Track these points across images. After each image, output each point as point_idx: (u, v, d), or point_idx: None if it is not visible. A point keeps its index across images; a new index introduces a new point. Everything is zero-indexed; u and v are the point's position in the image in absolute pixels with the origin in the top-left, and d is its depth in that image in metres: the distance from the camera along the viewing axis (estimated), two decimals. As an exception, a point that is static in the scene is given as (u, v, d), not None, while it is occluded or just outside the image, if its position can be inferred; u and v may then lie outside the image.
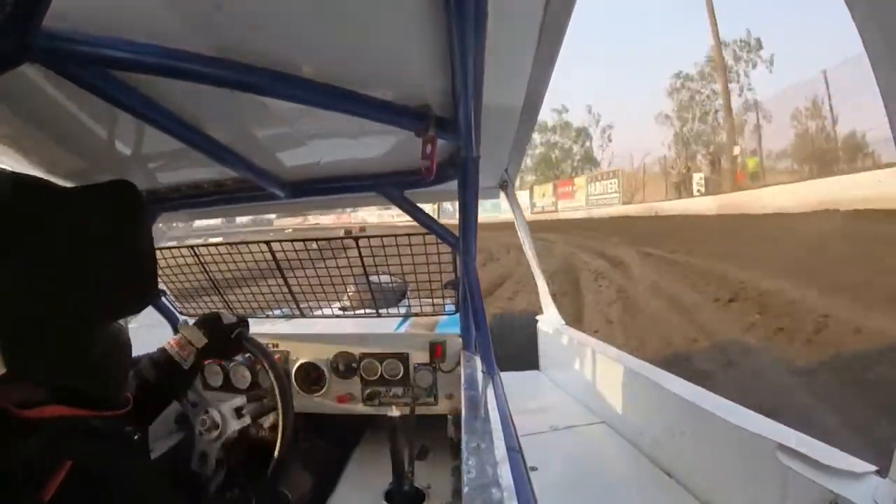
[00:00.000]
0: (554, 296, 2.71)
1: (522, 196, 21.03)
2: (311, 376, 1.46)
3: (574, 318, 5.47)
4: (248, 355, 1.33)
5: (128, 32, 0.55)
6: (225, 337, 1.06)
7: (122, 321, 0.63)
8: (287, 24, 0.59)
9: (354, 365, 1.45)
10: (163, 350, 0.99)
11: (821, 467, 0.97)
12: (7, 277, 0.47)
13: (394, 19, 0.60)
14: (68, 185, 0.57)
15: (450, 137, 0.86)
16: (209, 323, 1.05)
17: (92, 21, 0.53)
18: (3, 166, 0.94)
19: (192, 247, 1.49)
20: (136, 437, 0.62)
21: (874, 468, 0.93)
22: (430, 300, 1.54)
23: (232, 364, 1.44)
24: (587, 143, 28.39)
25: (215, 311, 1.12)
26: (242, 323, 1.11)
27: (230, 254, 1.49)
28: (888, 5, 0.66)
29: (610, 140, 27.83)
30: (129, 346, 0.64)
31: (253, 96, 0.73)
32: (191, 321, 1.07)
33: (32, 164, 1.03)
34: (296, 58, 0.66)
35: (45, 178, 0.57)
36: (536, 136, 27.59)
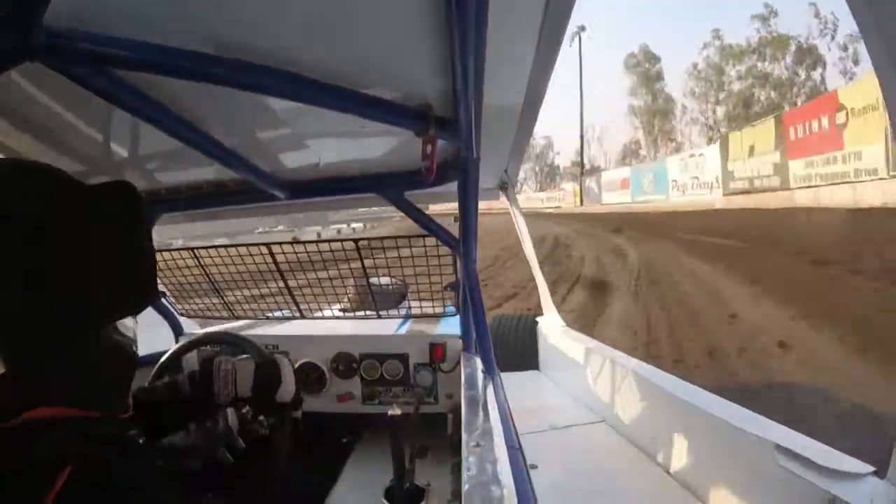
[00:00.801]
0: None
1: (711, 155, 11.09)
2: (312, 376, 1.46)
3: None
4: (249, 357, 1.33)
5: (129, 31, 0.55)
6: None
7: (131, 326, 0.63)
8: (287, 23, 0.59)
9: (355, 365, 1.45)
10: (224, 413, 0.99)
11: (818, 468, 0.98)
12: (6, 276, 0.47)
13: (394, 19, 0.60)
14: None
15: (450, 138, 0.86)
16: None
17: (93, 19, 0.53)
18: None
19: (191, 248, 1.49)
20: (139, 441, 0.62)
21: (872, 469, 0.93)
22: (431, 302, 1.54)
23: (235, 368, 1.44)
24: (818, 70, 16.16)
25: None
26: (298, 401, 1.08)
27: (230, 256, 1.49)
28: (890, 7, 0.67)
29: (856, 63, 15.64)
30: (132, 351, 0.63)
31: (253, 96, 0.73)
32: (189, 323, 1.06)
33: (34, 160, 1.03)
34: (296, 57, 0.66)
35: (52, 166, 0.57)
36: (731, 72, 18.15)
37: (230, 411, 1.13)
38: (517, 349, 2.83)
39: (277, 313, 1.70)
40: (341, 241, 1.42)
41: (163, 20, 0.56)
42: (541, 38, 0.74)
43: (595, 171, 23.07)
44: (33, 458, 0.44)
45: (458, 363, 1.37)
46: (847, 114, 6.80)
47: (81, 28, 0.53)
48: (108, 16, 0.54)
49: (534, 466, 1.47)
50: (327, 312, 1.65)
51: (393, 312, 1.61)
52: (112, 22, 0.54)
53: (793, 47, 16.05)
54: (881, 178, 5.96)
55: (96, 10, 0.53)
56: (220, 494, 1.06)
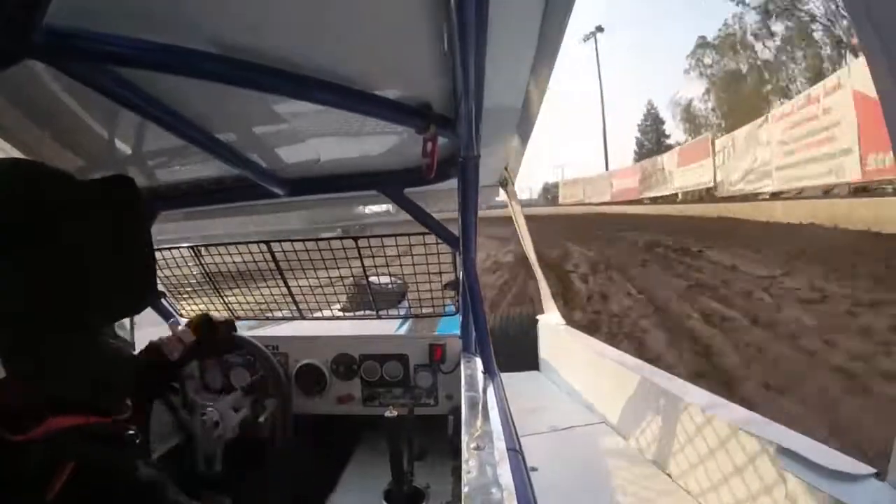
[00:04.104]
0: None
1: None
2: (312, 378, 1.46)
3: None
4: (247, 356, 1.33)
5: (129, 29, 0.55)
6: (214, 333, 1.16)
7: (126, 325, 0.63)
8: (288, 21, 0.59)
9: (355, 366, 1.45)
10: (153, 343, 1.04)
11: (820, 470, 0.97)
12: (5, 277, 0.46)
13: (395, 18, 0.60)
14: None
15: (450, 136, 0.86)
16: (200, 322, 1.15)
17: (94, 18, 0.53)
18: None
19: (191, 247, 1.49)
20: (137, 441, 0.62)
21: (873, 470, 0.93)
22: (430, 301, 1.54)
23: (230, 365, 1.44)
24: None
25: (206, 312, 1.24)
26: (229, 322, 1.23)
27: (230, 254, 1.49)
28: (887, 12, 0.66)
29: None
30: (130, 351, 0.63)
31: (253, 94, 0.73)
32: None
33: (34, 158, 1.03)
34: (297, 55, 0.66)
35: (48, 164, 0.57)
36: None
37: (233, 418, 1.13)
38: (517, 348, 2.82)
39: (277, 313, 1.70)
40: (341, 238, 1.42)
41: (163, 18, 0.56)
42: (541, 36, 0.74)
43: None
44: (37, 455, 0.45)
45: (458, 364, 1.36)
46: None
47: (82, 26, 0.53)
48: (109, 14, 0.53)
49: (534, 469, 1.47)
50: (327, 312, 1.65)
51: (392, 312, 1.61)
52: (113, 20, 0.54)
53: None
54: None
55: (97, 8, 0.53)
56: (220, 494, 1.06)
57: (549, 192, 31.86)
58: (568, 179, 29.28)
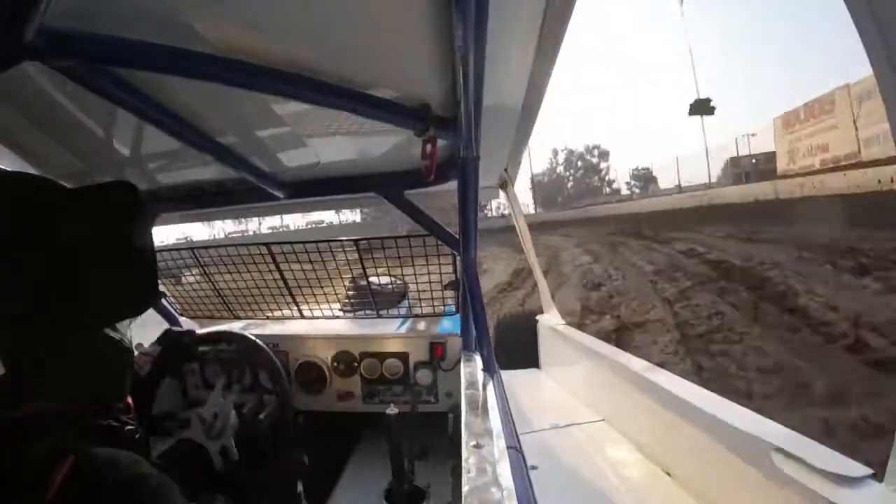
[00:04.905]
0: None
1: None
2: (312, 375, 1.47)
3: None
4: (247, 354, 1.34)
5: (128, 30, 0.55)
6: (176, 342, 1.26)
7: (123, 324, 0.63)
8: (287, 22, 0.59)
9: (355, 364, 1.46)
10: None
11: (815, 471, 0.97)
12: (6, 279, 0.47)
13: (395, 18, 0.60)
14: (67, 184, 0.57)
15: (450, 137, 0.86)
16: (162, 336, 1.26)
17: (93, 19, 0.53)
18: (3, 166, 0.94)
19: (191, 248, 1.49)
20: (136, 437, 0.62)
21: (870, 472, 0.93)
22: (431, 301, 1.54)
23: (231, 363, 1.45)
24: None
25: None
26: (189, 332, 1.35)
27: (230, 256, 1.50)
28: (888, 7, 0.66)
29: None
30: (131, 350, 0.63)
31: (253, 96, 0.73)
32: (189, 323, 1.09)
33: (32, 162, 1.03)
34: (296, 56, 0.66)
35: (45, 177, 0.57)
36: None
37: (232, 413, 1.14)
38: (517, 347, 2.83)
39: (277, 313, 1.71)
40: (342, 241, 1.42)
41: (162, 20, 0.56)
42: (541, 37, 0.74)
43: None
44: (36, 451, 0.45)
45: (458, 362, 1.37)
46: None
47: (81, 28, 0.53)
48: (108, 15, 0.53)
49: (534, 467, 1.47)
50: (327, 312, 1.65)
51: (393, 312, 1.61)
52: (111, 22, 0.54)
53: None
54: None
55: (96, 9, 0.53)
56: (219, 493, 1.06)
57: (743, 166, 17.43)
58: (797, 107, 13.72)
